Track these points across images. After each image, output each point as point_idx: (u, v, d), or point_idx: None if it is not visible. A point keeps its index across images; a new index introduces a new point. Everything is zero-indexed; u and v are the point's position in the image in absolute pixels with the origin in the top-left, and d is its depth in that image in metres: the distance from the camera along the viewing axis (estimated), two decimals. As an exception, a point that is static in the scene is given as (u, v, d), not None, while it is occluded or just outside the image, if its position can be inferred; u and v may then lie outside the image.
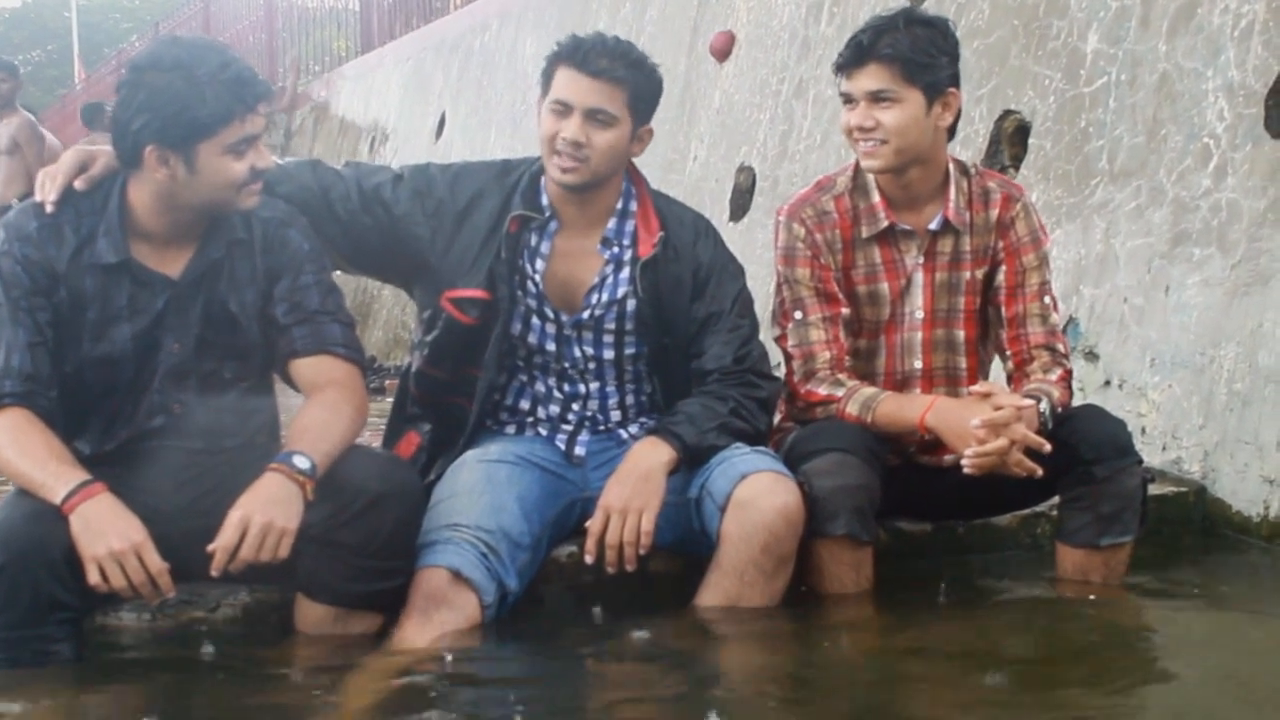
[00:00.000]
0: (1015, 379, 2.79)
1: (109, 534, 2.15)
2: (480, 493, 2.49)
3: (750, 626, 2.46)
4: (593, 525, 2.47)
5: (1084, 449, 2.61)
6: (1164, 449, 3.44)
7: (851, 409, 2.66)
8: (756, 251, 4.98)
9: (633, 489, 2.46)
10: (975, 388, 2.63)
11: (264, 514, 2.18)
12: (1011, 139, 4.33)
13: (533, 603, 2.52)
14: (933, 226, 2.75)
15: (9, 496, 2.25)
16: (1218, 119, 3.56)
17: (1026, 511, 2.99)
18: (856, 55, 2.63)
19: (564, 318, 2.66)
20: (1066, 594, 2.68)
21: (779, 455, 2.61)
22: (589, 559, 2.47)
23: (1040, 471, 2.54)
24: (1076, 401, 2.81)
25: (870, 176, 2.74)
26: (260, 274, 2.45)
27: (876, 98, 2.62)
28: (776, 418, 2.78)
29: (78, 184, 2.38)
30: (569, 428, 2.72)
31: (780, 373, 2.77)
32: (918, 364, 2.79)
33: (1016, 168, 4.25)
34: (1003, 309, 2.79)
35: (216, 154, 2.29)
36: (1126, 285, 3.70)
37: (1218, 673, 2.29)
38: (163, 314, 2.39)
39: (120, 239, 2.36)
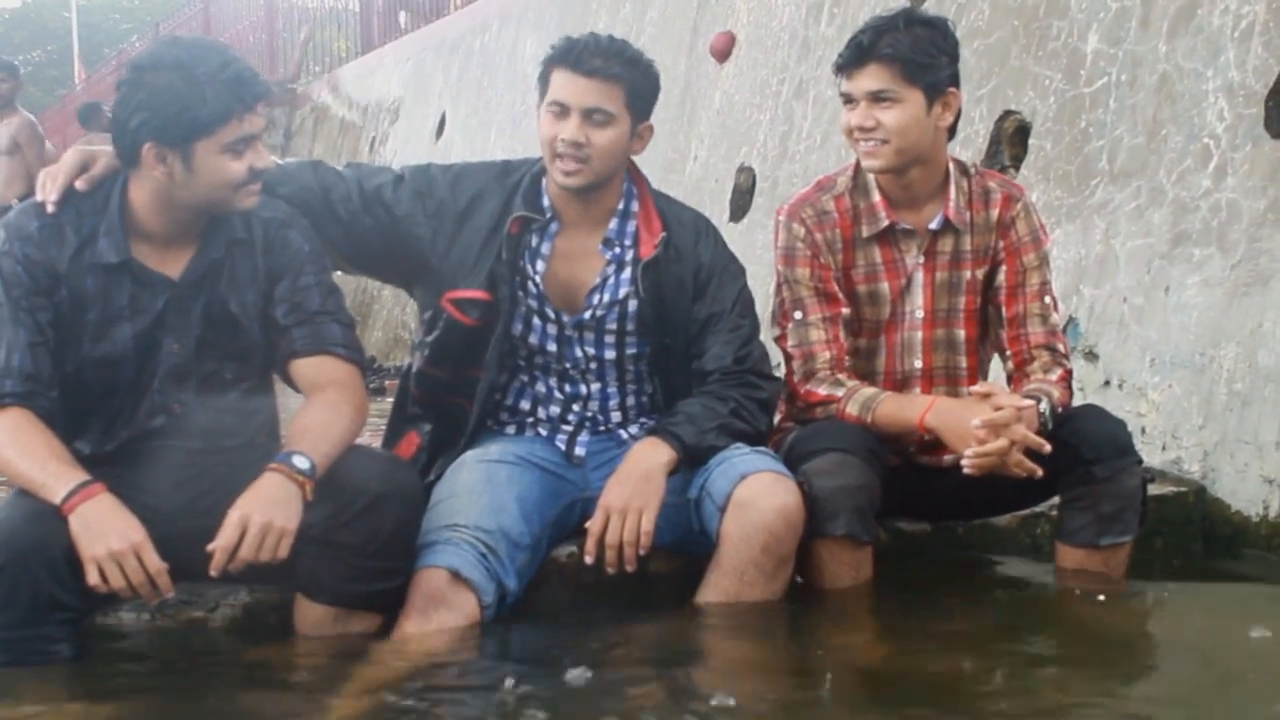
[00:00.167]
0: (1015, 379, 2.79)
1: (108, 534, 2.15)
2: (480, 493, 2.49)
3: (750, 626, 2.46)
4: (593, 525, 2.47)
5: (1084, 449, 2.61)
6: (1164, 449, 3.44)
7: (851, 409, 2.66)
8: (756, 252, 4.98)
9: (633, 489, 2.46)
10: (975, 388, 2.63)
11: (263, 514, 2.18)
12: (1012, 139, 4.33)
13: (532, 603, 2.52)
14: (933, 226, 2.75)
15: (9, 497, 2.25)
16: (1218, 119, 3.57)
17: (1026, 512, 2.98)
18: (857, 55, 2.63)
19: (565, 318, 2.66)
20: (1066, 594, 2.68)
21: (779, 455, 2.61)
22: (589, 559, 2.47)
23: (1040, 472, 2.54)
24: (1076, 401, 2.81)
25: (870, 176, 2.74)
26: (261, 274, 2.45)
27: (877, 98, 2.62)
28: (776, 418, 2.78)
29: (79, 184, 2.38)
30: (569, 428, 2.72)
31: (780, 373, 2.77)
32: (918, 363, 2.79)
33: (1016, 168, 4.25)
34: (1003, 309, 2.79)
35: (214, 153, 2.29)
36: (1126, 285, 3.71)
37: (1217, 673, 2.28)
38: (163, 314, 2.39)
39: (121, 239, 2.36)
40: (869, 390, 2.69)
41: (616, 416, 2.73)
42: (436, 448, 2.71)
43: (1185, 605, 2.79)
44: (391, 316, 9.65)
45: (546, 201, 2.65)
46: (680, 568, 2.63)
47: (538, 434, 2.72)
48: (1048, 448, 2.53)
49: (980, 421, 2.51)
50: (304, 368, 2.44)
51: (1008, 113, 4.34)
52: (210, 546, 2.18)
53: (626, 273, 2.66)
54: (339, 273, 2.67)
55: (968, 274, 2.78)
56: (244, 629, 2.44)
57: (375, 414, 2.63)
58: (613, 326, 2.66)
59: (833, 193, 2.78)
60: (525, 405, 2.73)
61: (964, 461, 2.53)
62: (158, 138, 2.27)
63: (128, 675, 2.28)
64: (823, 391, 2.70)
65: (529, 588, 2.50)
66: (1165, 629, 2.61)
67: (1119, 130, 3.88)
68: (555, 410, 2.72)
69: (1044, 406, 2.60)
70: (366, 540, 2.29)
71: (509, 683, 2.09)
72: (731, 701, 2.10)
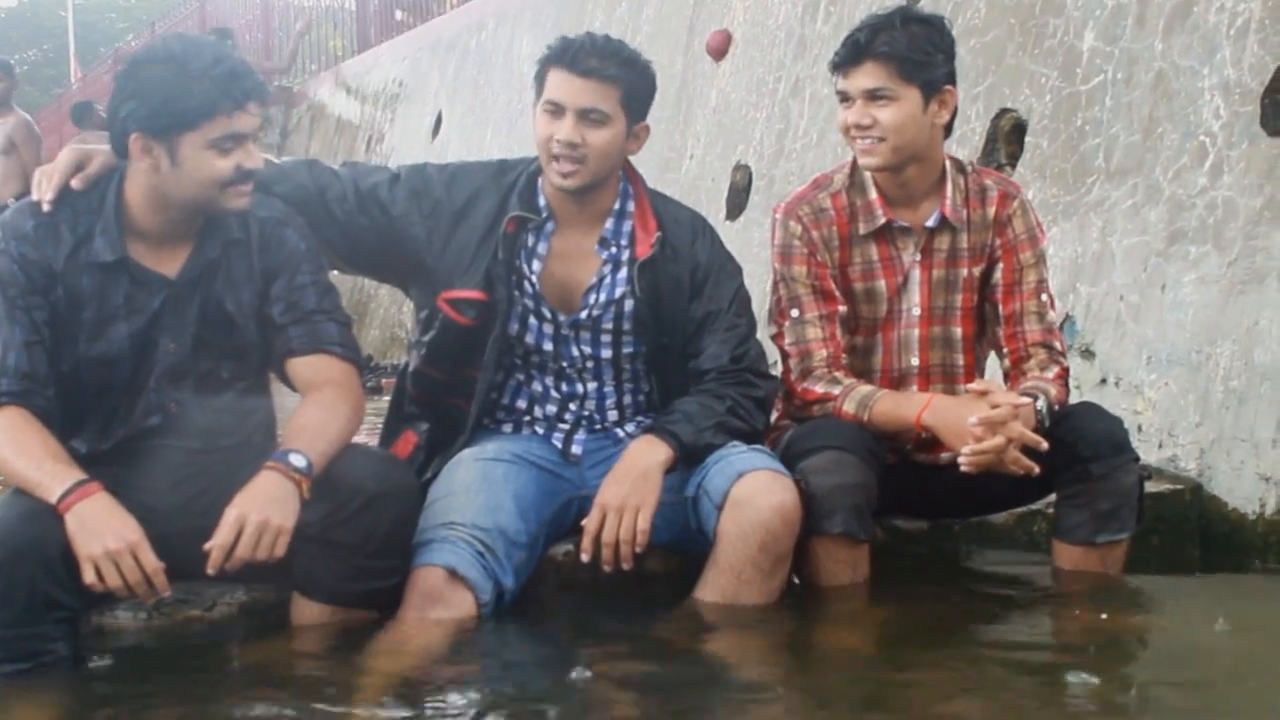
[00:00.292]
0: (1012, 376, 2.79)
1: (104, 533, 2.14)
2: (476, 491, 2.49)
3: (747, 624, 2.46)
4: (589, 524, 2.47)
5: (1081, 447, 2.61)
6: (1160, 446, 3.44)
7: (848, 407, 2.66)
8: (753, 250, 4.97)
9: (630, 487, 2.46)
10: (972, 385, 2.63)
11: (260, 512, 2.18)
12: (1008, 137, 4.33)
13: (529, 601, 2.52)
14: (930, 223, 2.75)
15: (5, 496, 2.25)
16: (1214, 117, 3.57)
17: (1023, 509, 2.98)
18: (853, 53, 2.63)
19: (561, 318, 2.66)
20: (1063, 591, 2.68)
21: (776, 453, 2.61)
22: (585, 557, 2.47)
23: (1037, 469, 2.54)
24: (1073, 399, 2.82)
25: (867, 174, 2.75)
26: (257, 273, 2.44)
27: (873, 96, 2.62)
28: (773, 416, 2.78)
29: (74, 183, 2.37)
30: (566, 427, 2.71)
31: (777, 371, 2.77)
32: (914, 361, 2.79)
33: (1013, 166, 4.25)
34: (1000, 306, 2.79)
35: (199, 148, 2.28)
36: (1123, 283, 3.71)
37: (1214, 670, 2.29)
38: (159, 313, 2.39)
39: (117, 237, 2.36)
40: (866, 388, 2.69)
41: (613, 415, 2.73)
42: (434, 447, 2.71)
43: (1181, 602, 2.79)
44: (388, 315, 9.65)
45: (542, 201, 2.65)
46: (677, 566, 2.63)
47: (534, 432, 2.72)
48: (1045, 445, 2.53)
49: (977, 419, 2.51)
50: (300, 366, 2.44)
51: (1004, 110, 4.34)
52: (207, 545, 2.18)
53: (623, 272, 2.66)
54: (335, 272, 2.67)
55: (964, 271, 2.78)
56: (241, 628, 2.44)
57: (372, 412, 2.63)
58: (609, 326, 2.66)
59: (829, 190, 2.78)
60: (522, 404, 2.73)
61: (961, 459, 2.53)
62: (144, 128, 2.27)
63: (124, 674, 2.28)
64: (819, 389, 2.70)
65: (526, 586, 2.50)
66: (1162, 626, 2.61)
67: (1115, 128, 3.88)
68: (552, 409, 2.71)
69: (1041, 404, 2.60)
70: (363, 539, 2.29)
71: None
72: (730, 699, 2.10)
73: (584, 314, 2.65)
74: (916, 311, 2.78)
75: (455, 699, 2.15)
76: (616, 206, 2.67)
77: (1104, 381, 3.67)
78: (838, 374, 2.71)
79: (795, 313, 2.74)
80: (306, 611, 2.37)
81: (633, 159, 2.71)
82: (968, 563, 2.97)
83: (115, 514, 2.17)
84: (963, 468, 2.54)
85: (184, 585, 2.35)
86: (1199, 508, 3.30)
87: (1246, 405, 3.28)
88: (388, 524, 2.32)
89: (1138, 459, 2.68)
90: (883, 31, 2.62)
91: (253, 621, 2.45)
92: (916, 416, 2.61)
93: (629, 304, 2.65)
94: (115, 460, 2.38)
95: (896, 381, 2.79)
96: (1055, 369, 2.75)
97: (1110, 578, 2.67)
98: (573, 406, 2.71)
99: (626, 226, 2.67)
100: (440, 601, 2.36)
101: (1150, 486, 2.86)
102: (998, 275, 2.80)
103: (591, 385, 2.71)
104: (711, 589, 2.50)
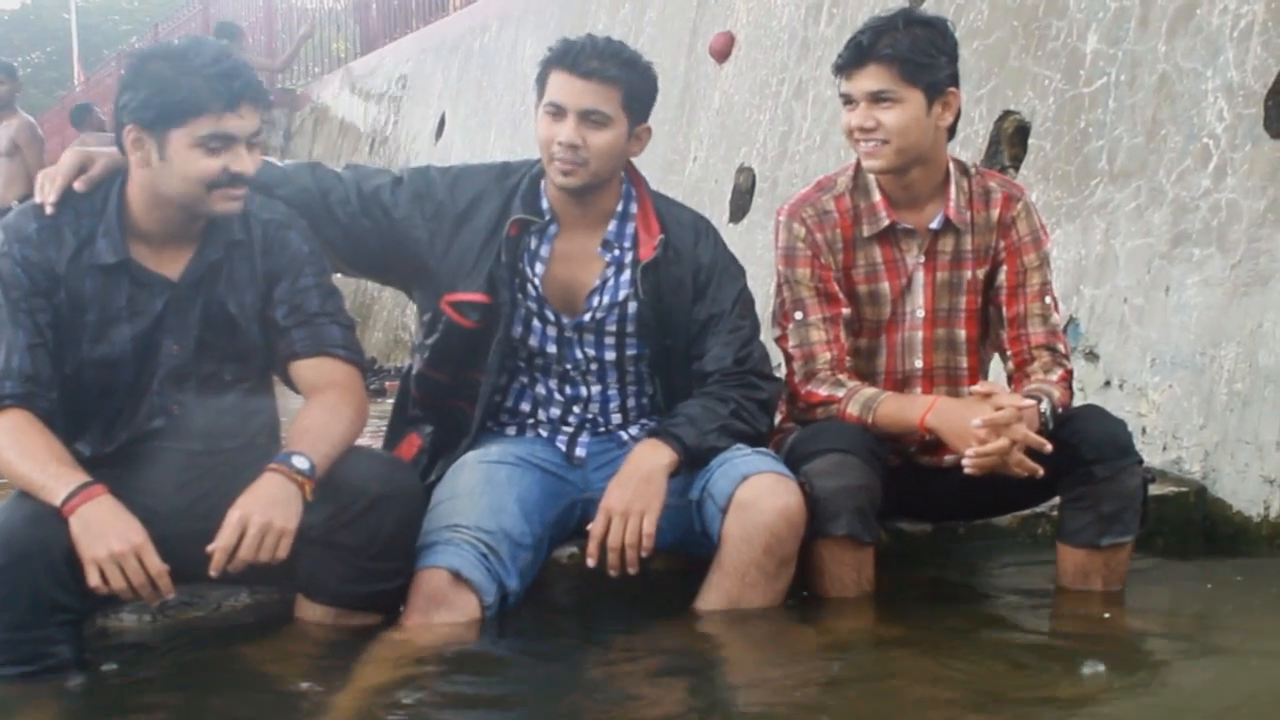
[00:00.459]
0: (1016, 379, 2.79)
1: (109, 536, 2.14)
2: (480, 494, 2.49)
3: (752, 627, 2.46)
4: (594, 528, 2.47)
5: (1085, 449, 2.61)
6: (1164, 449, 3.44)
7: (852, 409, 2.66)
8: (756, 252, 4.97)
9: (634, 491, 2.45)
10: (976, 388, 2.63)
11: (263, 514, 2.18)
12: (1011, 139, 4.32)
13: (533, 604, 2.52)
14: (934, 225, 2.75)
15: (9, 498, 2.25)
16: (1217, 119, 3.56)
17: (1027, 512, 2.98)
18: (856, 56, 2.63)
19: (565, 320, 2.66)
20: (1067, 594, 2.68)
21: (780, 456, 2.61)
22: (591, 562, 2.46)
23: (1041, 472, 2.54)
24: (1077, 402, 2.81)
25: (871, 176, 2.74)
26: (260, 276, 2.44)
27: (877, 98, 2.62)
28: (777, 418, 2.77)
29: (77, 185, 2.38)
30: (570, 429, 2.71)
31: (781, 373, 2.77)
32: (918, 363, 2.79)
33: (1016, 168, 4.25)
34: (1003, 309, 2.79)
35: (187, 144, 2.28)
36: (1126, 285, 3.71)
37: (1218, 673, 2.29)
38: (162, 315, 2.39)
39: (119, 239, 2.36)
40: (869, 390, 2.69)
41: (617, 418, 2.73)
42: (437, 450, 2.71)
43: (1186, 606, 2.79)
44: (391, 318, 9.65)
45: (545, 204, 2.65)
46: (682, 569, 2.63)
47: (538, 435, 2.72)
48: (1049, 447, 2.53)
49: (981, 421, 2.50)
50: (304, 369, 2.44)
51: (1007, 113, 4.34)
52: (210, 547, 2.18)
53: (626, 274, 2.65)
54: (338, 274, 2.67)
55: (968, 274, 2.78)
56: (245, 630, 2.44)
57: (375, 415, 2.63)
58: (612, 328, 2.66)
59: (833, 193, 2.78)
60: (525, 407, 2.73)
61: (965, 461, 2.53)
62: (136, 119, 2.28)
63: (128, 677, 2.28)
64: (823, 392, 2.70)
65: (530, 588, 2.49)
66: (1166, 629, 2.61)
67: (1118, 130, 3.88)
68: (556, 412, 2.71)
69: (1044, 406, 2.60)
70: (367, 541, 2.29)
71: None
72: (734, 703, 2.10)
73: (587, 316, 2.65)
74: (921, 314, 2.78)
75: (459, 702, 2.15)
76: (619, 209, 2.67)
77: (1108, 384, 3.67)
78: (841, 376, 2.71)
79: (799, 315, 2.74)
80: (310, 613, 2.37)
81: (635, 161, 2.71)
82: (971, 565, 2.96)
83: (119, 516, 2.17)
84: (967, 470, 2.54)
85: (188, 587, 2.35)
86: (1203, 510, 3.30)
87: (1251, 408, 3.27)
88: (391, 526, 2.32)
89: (1142, 461, 2.68)
90: (886, 34, 2.61)
91: (256, 624, 2.45)
92: (920, 419, 2.61)
93: (632, 306, 2.65)
94: (118, 463, 2.38)
95: (900, 384, 2.79)
96: (1059, 371, 2.74)
97: (1114, 581, 2.66)
98: (576, 409, 2.71)
99: (629, 229, 2.67)
100: (444, 604, 2.36)
101: (1154, 489, 2.86)
102: (1001, 278, 2.79)
103: (595, 388, 2.71)
104: (716, 592, 2.50)
